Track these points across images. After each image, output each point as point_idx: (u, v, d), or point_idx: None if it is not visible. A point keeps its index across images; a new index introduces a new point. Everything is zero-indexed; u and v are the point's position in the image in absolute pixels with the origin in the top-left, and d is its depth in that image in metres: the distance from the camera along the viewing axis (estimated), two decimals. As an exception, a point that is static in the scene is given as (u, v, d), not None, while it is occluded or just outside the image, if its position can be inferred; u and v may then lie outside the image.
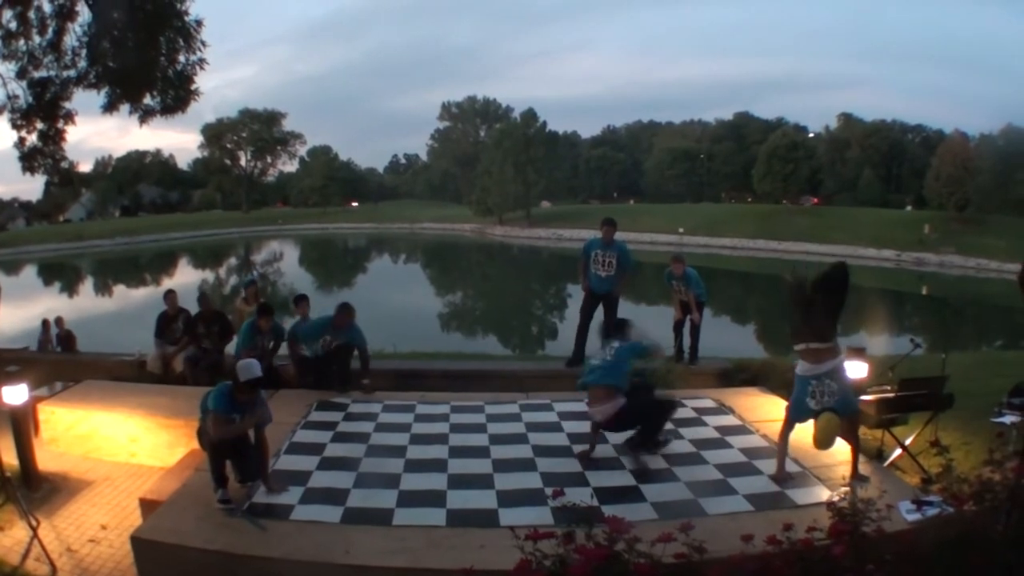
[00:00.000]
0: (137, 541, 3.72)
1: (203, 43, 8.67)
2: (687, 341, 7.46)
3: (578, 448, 4.98)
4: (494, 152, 60.41)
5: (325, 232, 69.37)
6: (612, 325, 5.19)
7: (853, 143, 65.21)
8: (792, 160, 49.83)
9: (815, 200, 53.35)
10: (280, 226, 70.09)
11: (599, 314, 7.23)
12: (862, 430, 4.78)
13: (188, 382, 6.84)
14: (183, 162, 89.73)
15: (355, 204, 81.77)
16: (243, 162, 77.32)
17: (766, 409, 5.81)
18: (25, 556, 4.11)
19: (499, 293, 32.77)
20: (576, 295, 7.72)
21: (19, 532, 4.33)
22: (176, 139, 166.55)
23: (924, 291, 32.07)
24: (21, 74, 8.29)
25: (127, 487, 5.20)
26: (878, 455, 5.05)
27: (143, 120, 8.79)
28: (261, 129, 75.09)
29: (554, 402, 6.06)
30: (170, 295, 7.82)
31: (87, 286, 37.20)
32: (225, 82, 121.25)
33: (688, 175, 72.96)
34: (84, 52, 8.31)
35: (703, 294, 7.48)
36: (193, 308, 7.64)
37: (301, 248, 57.68)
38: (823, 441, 4.23)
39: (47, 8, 8.09)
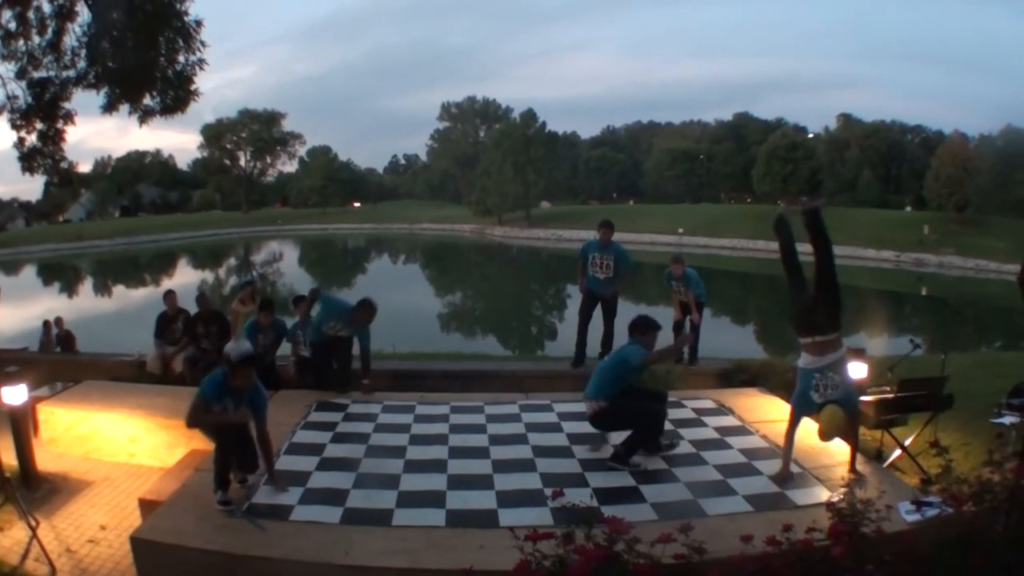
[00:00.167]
0: (136, 541, 3.72)
1: (203, 43, 8.68)
2: (687, 341, 7.47)
3: (578, 448, 4.99)
4: (494, 152, 60.41)
5: (325, 232, 69.34)
6: (610, 334, 5.13)
7: (852, 144, 65.22)
8: (792, 160, 49.90)
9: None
10: (280, 226, 70.08)
11: (598, 313, 7.27)
12: (862, 430, 4.79)
13: (187, 382, 6.83)
14: (183, 162, 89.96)
15: (357, 205, 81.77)
16: (243, 162, 77.37)
17: (766, 410, 5.81)
18: (24, 556, 4.10)
19: (499, 293, 32.77)
20: (575, 296, 7.73)
21: (18, 532, 4.32)
22: (176, 139, 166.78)
23: (923, 292, 32.04)
24: (21, 74, 8.29)
25: (126, 487, 5.19)
26: (878, 456, 5.04)
27: (143, 120, 8.79)
28: (261, 129, 75.10)
29: (554, 403, 6.06)
30: (169, 295, 7.83)
31: (86, 286, 37.17)
32: (225, 82, 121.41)
33: (688, 176, 72.97)
34: (84, 52, 8.31)
35: (703, 294, 7.48)
36: (192, 308, 7.64)
37: (301, 248, 57.62)
38: (828, 433, 4.24)
39: (47, 8, 8.11)
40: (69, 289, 34.80)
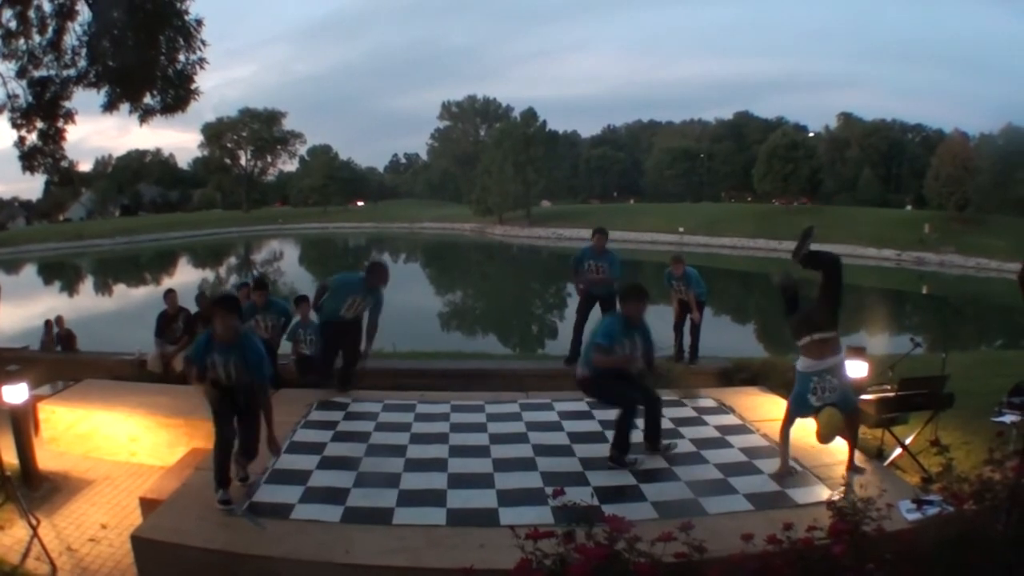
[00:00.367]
0: (137, 540, 3.72)
1: (203, 42, 8.67)
2: (687, 340, 7.47)
3: (578, 447, 4.99)
4: (494, 152, 60.38)
5: (325, 231, 69.34)
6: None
7: (853, 143, 65.20)
8: (792, 160, 49.84)
9: (805, 200, 53.27)
10: (280, 225, 70.06)
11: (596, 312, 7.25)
12: (862, 429, 4.79)
13: (188, 381, 6.83)
14: (183, 161, 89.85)
15: (360, 204, 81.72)
16: (243, 161, 77.27)
17: (766, 408, 5.81)
18: (25, 555, 4.11)
19: (499, 292, 32.76)
20: (575, 295, 7.73)
21: (19, 531, 4.33)
22: (176, 138, 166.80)
23: (924, 290, 32.03)
24: (21, 73, 8.29)
25: (127, 486, 5.20)
26: (878, 454, 5.05)
27: (143, 119, 8.79)
28: (261, 128, 75.03)
29: (554, 401, 6.06)
30: (170, 294, 7.83)
31: (87, 285, 37.17)
32: (225, 81, 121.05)
33: (688, 175, 72.91)
34: (84, 51, 8.31)
35: (703, 293, 7.48)
36: (193, 307, 7.64)
37: (301, 247, 57.62)
38: (826, 436, 4.26)
39: (47, 7, 8.10)
40: (70, 288, 34.80)
